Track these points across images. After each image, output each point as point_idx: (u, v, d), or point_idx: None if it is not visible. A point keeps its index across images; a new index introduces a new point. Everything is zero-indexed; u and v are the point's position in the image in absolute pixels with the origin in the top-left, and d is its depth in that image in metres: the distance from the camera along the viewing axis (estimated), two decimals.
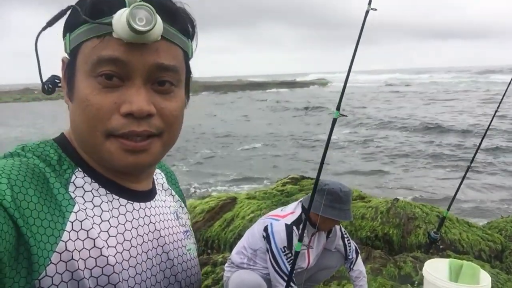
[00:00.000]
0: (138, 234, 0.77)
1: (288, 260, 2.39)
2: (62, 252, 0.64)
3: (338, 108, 2.13)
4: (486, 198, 8.27)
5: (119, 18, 0.64)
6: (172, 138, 0.76)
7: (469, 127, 17.00)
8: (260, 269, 2.53)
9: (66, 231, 0.66)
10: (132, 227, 0.76)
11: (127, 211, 0.77)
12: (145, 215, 0.80)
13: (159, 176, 0.94)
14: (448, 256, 3.62)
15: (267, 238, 2.45)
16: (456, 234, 3.97)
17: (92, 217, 0.70)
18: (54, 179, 0.69)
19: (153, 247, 0.80)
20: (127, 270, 0.72)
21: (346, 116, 2.31)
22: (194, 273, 0.89)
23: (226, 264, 2.73)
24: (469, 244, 3.87)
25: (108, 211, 0.73)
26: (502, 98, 3.33)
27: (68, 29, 0.71)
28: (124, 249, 0.73)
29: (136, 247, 0.76)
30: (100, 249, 0.68)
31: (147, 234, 0.79)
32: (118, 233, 0.73)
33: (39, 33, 0.72)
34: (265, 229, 2.48)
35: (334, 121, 2.17)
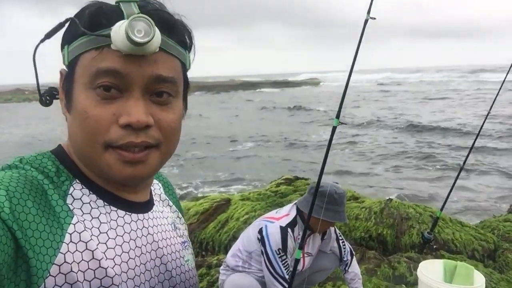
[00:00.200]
0: (136, 246, 0.77)
1: (283, 262, 2.39)
2: (61, 264, 0.64)
3: (337, 116, 2.13)
4: (478, 198, 8.34)
5: (118, 30, 0.64)
6: (170, 149, 0.76)
7: (459, 126, 17.14)
8: (255, 272, 2.53)
9: (65, 243, 0.65)
10: (130, 239, 0.76)
11: (125, 222, 0.77)
12: (143, 227, 0.80)
13: (156, 187, 0.94)
14: (441, 256, 3.64)
15: (261, 240, 2.45)
16: (449, 234, 4.00)
17: (91, 229, 0.70)
18: (52, 191, 0.69)
19: (151, 259, 0.80)
20: (125, 282, 0.72)
21: (346, 124, 2.31)
22: (192, 284, 0.89)
23: (221, 267, 2.73)
24: (462, 244, 3.90)
25: (106, 223, 0.73)
26: (495, 99, 3.35)
27: (67, 41, 0.71)
28: (122, 261, 0.73)
29: (134, 259, 0.75)
30: (99, 260, 0.68)
31: (145, 246, 0.79)
32: (116, 245, 0.73)
33: (37, 45, 0.72)
34: (260, 231, 2.48)
35: (334, 129, 2.18)
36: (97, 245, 0.69)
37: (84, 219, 0.70)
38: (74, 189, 0.72)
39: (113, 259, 0.71)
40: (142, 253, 0.78)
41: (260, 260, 2.48)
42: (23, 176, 0.67)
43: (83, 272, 0.66)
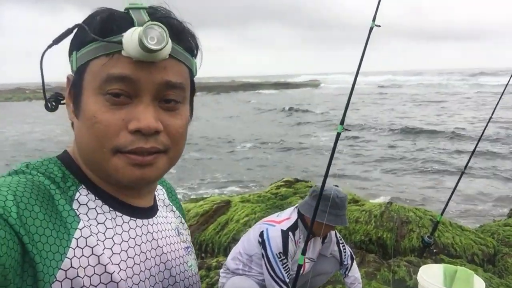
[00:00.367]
0: (141, 251, 0.77)
1: (284, 266, 2.38)
2: (68, 269, 0.64)
3: (342, 123, 2.13)
4: (478, 202, 8.34)
5: (130, 37, 0.65)
6: (177, 154, 0.77)
7: (459, 130, 17.11)
8: (255, 275, 2.53)
9: (71, 248, 0.66)
10: (136, 244, 0.77)
11: (130, 228, 0.77)
12: (148, 232, 0.80)
13: (160, 192, 0.95)
14: (441, 260, 3.64)
15: (262, 243, 2.45)
16: (449, 238, 4.00)
17: (97, 234, 0.70)
18: (59, 196, 0.69)
19: (156, 264, 0.80)
20: (130, 287, 0.72)
21: (350, 130, 2.32)
22: None
23: (221, 270, 2.72)
24: (462, 248, 3.90)
25: (112, 228, 0.74)
26: (497, 103, 3.33)
27: (75, 47, 0.71)
28: (128, 266, 0.73)
29: (139, 264, 0.76)
30: (105, 266, 0.68)
31: (150, 251, 0.79)
32: (122, 250, 0.73)
33: (45, 51, 0.72)
34: (261, 234, 2.48)
35: (338, 136, 2.18)
36: (103, 250, 0.70)
37: (90, 224, 0.70)
38: (80, 194, 0.73)
39: (118, 264, 0.71)
40: (147, 258, 0.78)
41: (260, 263, 2.48)
42: (30, 181, 0.67)
43: (89, 277, 0.66)
